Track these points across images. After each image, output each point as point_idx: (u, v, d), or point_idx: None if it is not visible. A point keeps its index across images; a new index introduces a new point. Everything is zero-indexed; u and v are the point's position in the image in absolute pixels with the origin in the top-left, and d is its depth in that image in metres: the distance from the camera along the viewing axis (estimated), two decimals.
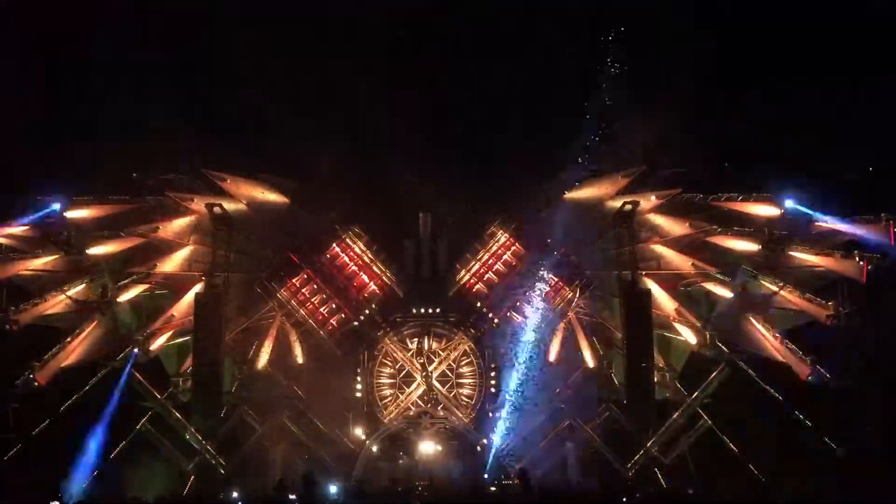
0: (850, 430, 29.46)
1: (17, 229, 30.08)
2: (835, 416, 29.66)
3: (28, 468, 28.25)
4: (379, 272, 34.45)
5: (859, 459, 28.53)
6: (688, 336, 32.37)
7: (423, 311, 34.88)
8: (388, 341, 34.53)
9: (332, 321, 33.78)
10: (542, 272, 33.20)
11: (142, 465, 30.48)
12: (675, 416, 31.98)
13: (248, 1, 32.20)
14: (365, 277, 34.27)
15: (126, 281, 31.34)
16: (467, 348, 34.64)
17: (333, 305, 33.77)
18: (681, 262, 32.04)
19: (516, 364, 33.07)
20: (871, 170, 29.97)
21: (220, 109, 31.36)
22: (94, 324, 30.82)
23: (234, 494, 29.38)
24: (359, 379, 34.23)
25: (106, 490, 28.89)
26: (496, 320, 33.74)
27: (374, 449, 33.00)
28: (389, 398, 34.75)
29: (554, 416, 32.76)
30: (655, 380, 31.95)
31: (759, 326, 31.06)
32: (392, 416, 34.21)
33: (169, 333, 32.42)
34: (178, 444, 31.59)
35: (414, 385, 34.57)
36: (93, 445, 29.46)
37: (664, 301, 32.42)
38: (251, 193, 31.95)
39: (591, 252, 33.37)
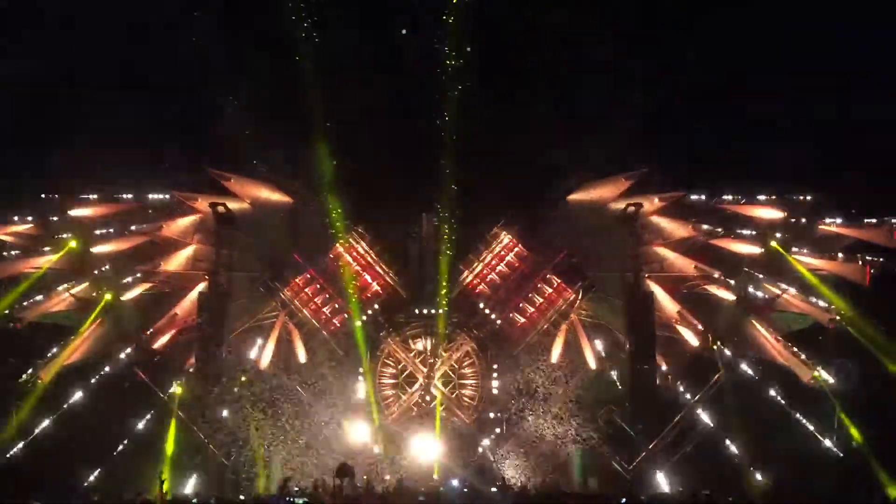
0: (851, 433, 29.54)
1: (23, 227, 30.26)
2: (836, 419, 29.72)
3: (31, 466, 28.28)
4: (382, 272, 34.47)
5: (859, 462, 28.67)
6: (690, 338, 32.44)
7: (425, 311, 34.76)
8: (391, 342, 34.49)
9: (334, 321, 33.80)
10: (544, 274, 33.35)
11: (144, 464, 30.44)
12: (677, 418, 31.99)
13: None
14: (368, 278, 34.32)
15: (130, 279, 31.46)
16: (469, 349, 34.57)
17: (336, 305, 33.79)
18: (684, 265, 32.20)
19: (518, 365, 33.22)
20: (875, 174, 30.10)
21: (223, 109, 31.35)
22: (97, 322, 30.90)
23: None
24: (361, 379, 34.17)
25: (108, 488, 28.89)
26: (498, 321, 33.80)
27: (376, 450, 32.98)
28: (392, 398, 34.71)
29: (556, 419, 32.75)
30: (657, 382, 31.98)
31: (761, 329, 31.16)
32: (394, 416, 34.19)
33: (172, 332, 32.45)
34: (181, 442, 31.55)
35: (416, 386, 34.54)
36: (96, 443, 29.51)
37: (667, 303, 32.51)
38: (255, 193, 32.02)
39: (593, 254, 33.39)
